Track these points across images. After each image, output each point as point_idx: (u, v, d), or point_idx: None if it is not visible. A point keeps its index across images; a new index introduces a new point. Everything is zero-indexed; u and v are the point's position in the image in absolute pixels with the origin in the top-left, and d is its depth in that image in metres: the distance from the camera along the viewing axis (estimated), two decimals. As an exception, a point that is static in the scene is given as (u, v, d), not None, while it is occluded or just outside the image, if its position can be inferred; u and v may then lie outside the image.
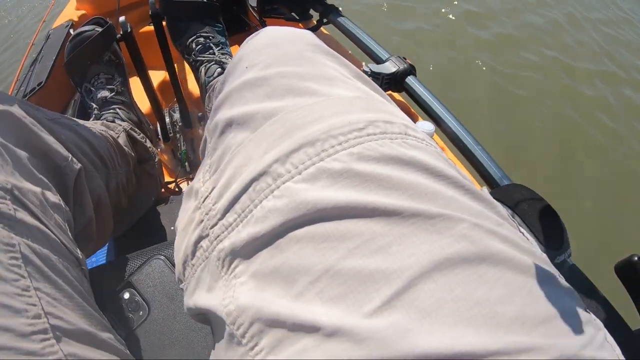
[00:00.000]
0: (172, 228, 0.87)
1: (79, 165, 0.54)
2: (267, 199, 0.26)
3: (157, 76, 1.39)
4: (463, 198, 0.25)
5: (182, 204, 0.37)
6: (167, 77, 1.08)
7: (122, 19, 0.91)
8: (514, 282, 0.22)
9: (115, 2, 1.35)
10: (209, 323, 0.32)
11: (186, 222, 0.33)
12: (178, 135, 1.16)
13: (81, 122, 0.65)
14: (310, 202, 0.24)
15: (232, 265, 0.27)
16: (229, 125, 0.33)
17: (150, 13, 0.96)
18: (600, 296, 0.45)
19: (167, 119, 1.16)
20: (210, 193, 0.31)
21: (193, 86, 1.32)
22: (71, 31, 1.29)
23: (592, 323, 0.24)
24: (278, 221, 0.25)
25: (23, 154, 0.43)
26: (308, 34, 0.39)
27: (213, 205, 0.30)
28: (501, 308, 0.20)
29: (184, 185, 1.07)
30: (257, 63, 0.35)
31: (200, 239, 0.30)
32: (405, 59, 0.87)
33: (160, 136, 1.13)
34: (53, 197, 0.44)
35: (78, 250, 0.43)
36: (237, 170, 0.29)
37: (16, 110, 0.45)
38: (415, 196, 0.24)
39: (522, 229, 0.32)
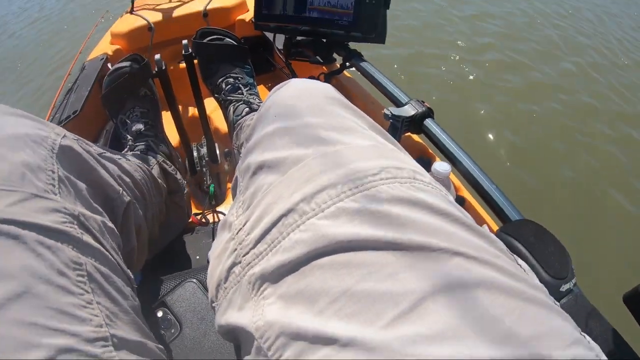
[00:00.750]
0: (198, 257, 0.90)
1: (128, 198, 0.58)
2: (294, 232, 0.30)
3: (187, 111, 1.44)
4: (464, 233, 0.29)
5: (217, 234, 0.41)
6: (196, 113, 1.12)
7: (157, 57, 0.96)
8: (507, 304, 0.24)
9: (147, 39, 1.44)
10: (237, 341, 0.35)
11: (220, 250, 0.37)
12: (204, 169, 1.19)
13: (121, 155, 0.70)
14: (331, 235, 0.28)
15: (262, 288, 0.30)
16: (260, 167, 0.37)
17: (183, 53, 1.01)
18: (604, 321, 0.46)
19: (195, 153, 1.19)
20: (243, 226, 0.35)
21: (219, 123, 1.37)
22: (109, 65, 1.36)
23: (584, 344, 0.26)
24: (303, 251, 0.28)
25: (82, 185, 0.48)
26: (329, 88, 0.44)
27: (246, 237, 0.34)
28: (494, 325, 0.23)
29: (210, 217, 1.10)
30: (284, 113, 0.39)
31: (233, 265, 0.34)
32: (424, 103, 0.89)
33: (187, 169, 1.17)
34: (109, 223, 0.48)
35: (128, 271, 0.47)
36: (268, 207, 0.33)
37: (76, 145, 0.50)
38: (420, 232, 0.27)
39: (520, 262, 0.34)
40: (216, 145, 1.21)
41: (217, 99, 1.08)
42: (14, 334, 0.29)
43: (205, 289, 0.61)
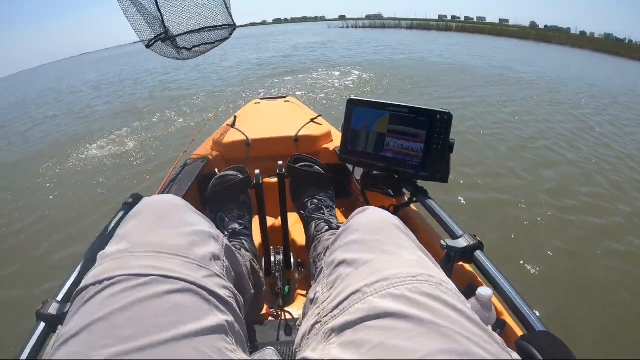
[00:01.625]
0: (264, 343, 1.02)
1: (253, 290, 0.78)
2: (357, 304, 0.46)
3: (270, 220, 1.58)
4: (466, 323, 0.43)
5: (305, 307, 0.59)
6: (278, 223, 1.26)
7: (257, 172, 1.13)
8: None
9: (244, 151, 1.63)
10: None
11: (309, 315, 0.54)
12: (278, 274, 1.31)
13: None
14: (380, 308, 0.44)
15: (330, 337, 0.46)
16: (341, 262, 0.56)
17: (277, 172, 1.18)
18: None
19: (272, 258, 1.31)
20: (326, 299, 0.52)
21: (296, 235, 1.51)
22: (217, 171, 1.50)
23: None
24: (360, 316, 0.45)
25: (233, 274, 0.68)
26: (394, 218, 0.64)
27: (327, 305, 0.51)
28: None
29: (278, 314, 1.18)
30: (361, 230, 0.59)
31: (316, 323, 0.51)
32: (475, 237, 1.00)
33: (263, 270, 1.27)
34: (242, 301, 0.66)
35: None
36: (344, 288, 0.50)
37: (231, 245, 0.71)
38: (435, 315, 0.42)
39: (514, 355, 0.46)
40: (291, 254, 1.34)
41: (300, 215, 1.26)
42: (190, 355, 0.43)
43: (280, 355, 0.75)
